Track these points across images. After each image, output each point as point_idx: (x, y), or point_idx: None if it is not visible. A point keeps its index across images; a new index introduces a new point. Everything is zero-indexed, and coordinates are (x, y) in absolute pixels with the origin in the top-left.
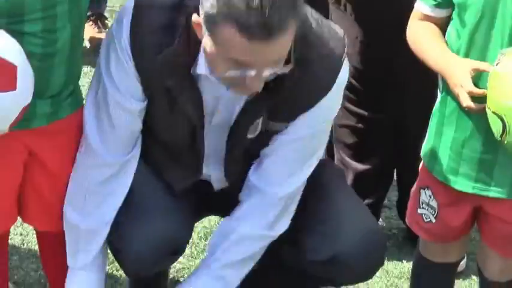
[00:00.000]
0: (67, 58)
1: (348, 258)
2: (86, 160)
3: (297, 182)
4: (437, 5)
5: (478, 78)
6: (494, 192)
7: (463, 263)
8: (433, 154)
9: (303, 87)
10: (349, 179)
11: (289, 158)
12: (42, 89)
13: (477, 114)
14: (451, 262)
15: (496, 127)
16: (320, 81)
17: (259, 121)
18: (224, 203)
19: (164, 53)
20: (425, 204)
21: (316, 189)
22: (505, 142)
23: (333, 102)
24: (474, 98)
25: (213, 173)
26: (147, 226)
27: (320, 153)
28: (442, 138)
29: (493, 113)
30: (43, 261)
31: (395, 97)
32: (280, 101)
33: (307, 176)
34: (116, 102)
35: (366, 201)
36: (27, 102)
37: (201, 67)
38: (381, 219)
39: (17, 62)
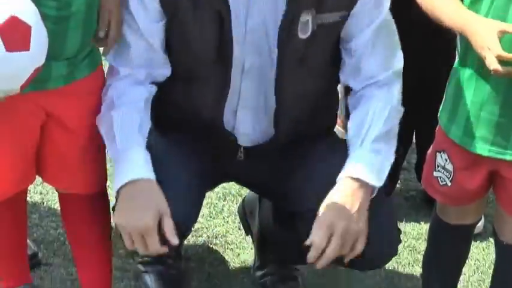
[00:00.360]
0: (83, 21)
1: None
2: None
3: (400, 57)
4: None
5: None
6: (510, 155)
7: (480, 224)
8: (450, 116)
9: None
10: None
11: (378, 51)
12: (57, 52)
13: (496, 77)
14: (467, 224)
15: None
16: None
17: (309, 19)
18: (246, 170)
19: None
20: (441, 168)
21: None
22: None
23: None
24: (500, 61)
25: (256, 102)
26: None
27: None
28: (459, 101)
29: None
30: (63, 219)
31: (414, 58)
32: None
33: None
34: (134, 31)
35: None
36: (40, 64)
37: None
38: (399, 182)
39: (31, 22)
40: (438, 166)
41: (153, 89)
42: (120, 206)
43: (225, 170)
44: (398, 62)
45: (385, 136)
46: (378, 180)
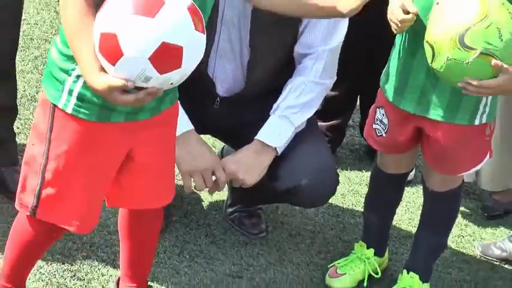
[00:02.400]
0: None
1: (303, 190)
2: None
3: (336, 38)
4: None
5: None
6: (432, 114)
7: (412, 173)
8: (386, 77)
9: None
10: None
11: (322, 24)
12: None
13: (422, 50)
14: (401, 173)
15: (428, 54)
16: None
17: None
18: (220, 119)
19: None
20: (379, 121)
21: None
22: (434, 67)
23: None
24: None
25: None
26: None
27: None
28: (395, 64)
29: (426, 41)
30: (128, 235)
31: (362, 27)
32: None
33: (342, 37)
34: None
35: (335, 121)
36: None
37: None
38: (346, 137)
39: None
40: (377, 120)
41: None
42: (185, 154)
43: (203, 117)
44: (338, 36)
45: (299, 106)
46: (278, 142)
